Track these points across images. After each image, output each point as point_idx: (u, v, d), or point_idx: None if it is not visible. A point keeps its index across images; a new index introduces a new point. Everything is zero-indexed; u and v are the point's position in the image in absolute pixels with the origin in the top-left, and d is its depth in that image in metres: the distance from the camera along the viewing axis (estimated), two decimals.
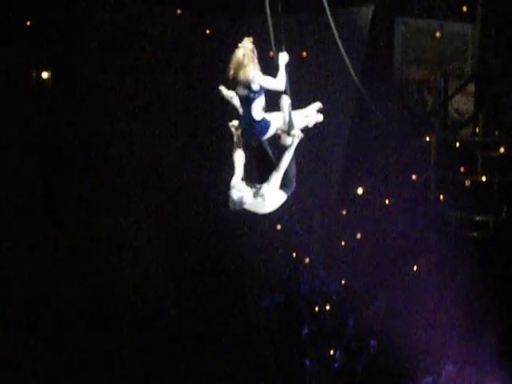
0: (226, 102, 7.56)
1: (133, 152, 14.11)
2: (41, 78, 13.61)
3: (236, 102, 7.39)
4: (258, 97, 7.20)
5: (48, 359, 13.27)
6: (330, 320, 13.84)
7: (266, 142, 7.43)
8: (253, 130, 7.31)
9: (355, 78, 9.27)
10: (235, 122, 7.44)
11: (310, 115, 7.83)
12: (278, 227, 13.98)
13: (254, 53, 7.22)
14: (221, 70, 7.50)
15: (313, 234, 14.37)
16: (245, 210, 7.31)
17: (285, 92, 7.34)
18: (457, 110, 14.66)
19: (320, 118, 7.93)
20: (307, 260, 14.15)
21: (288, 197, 7.55)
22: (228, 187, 7.22)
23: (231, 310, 14.19)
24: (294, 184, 7.58)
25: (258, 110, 7.22)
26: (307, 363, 13.69)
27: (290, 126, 7.40)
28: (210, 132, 13.83)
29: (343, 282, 13.99)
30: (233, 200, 7.20)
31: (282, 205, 7.71)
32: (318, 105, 7.92)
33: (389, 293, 13.62)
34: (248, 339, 14.12)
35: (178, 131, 14.24)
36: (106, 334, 13.59)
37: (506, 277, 13.02)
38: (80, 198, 13.82)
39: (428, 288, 13.23)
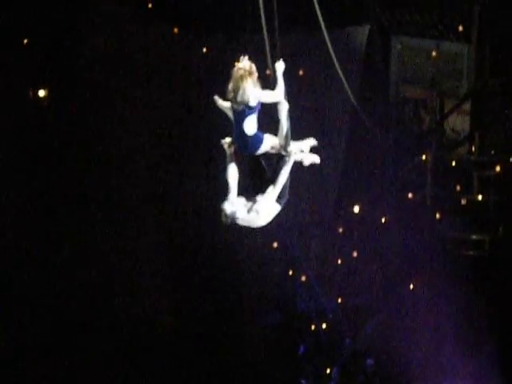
0: (218, 118, 7.59)
1: (130, 169, 14.14)
2: (38, 96, 13.64)
3: (230, 113, 7.41)
4: (252, 113, 7.23)
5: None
6: (326, 338, 13.82)
7: (261, 156, 7.43)
8: (246, 144, 7.33)
9: (351, 97, 9.31)
10: (228, 139, 7.46)
11: (305, 150, 7.82)
12: (275, 245, 13.98)
13: (252, 70, 7.23)
14: (218, 87, 7.52)
15: (309, 252, 14.35)
16: (238, 224, 7.33)
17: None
18: (453, 129, 14.71)
19: (317, 159, 7.92)
20: (304, 278, 14.14)
21: (281, 208, 7.55)
22: (222, 201, 7.25)
23: (227, 327, 14.15)
24: (288, 196, 7.59)
25: (250, 125, 7.24)
26: (303, 382, 13.65)
27: (287, 139, 7.40)
28: (206, 149, 13.84)
29: (340, 300, 13.96)
30: (225, 214, 7.23)
31: (279, 221, 7.73)
32: (312, 142, 7.90)
33: (385, 311, 13.60)
34: (244, 357, 14.08)
35: (174, 147, 14.27)
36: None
37: (502, 295, 13.02)
38: (76, 213, 13.88)
39: (424, 306, 13.22)
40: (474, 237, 13.75)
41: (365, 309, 13.83)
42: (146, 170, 14.21)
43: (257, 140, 7.32)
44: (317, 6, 8.01)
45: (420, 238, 13.64)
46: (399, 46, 14.74)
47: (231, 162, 7.46)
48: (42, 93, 13.64)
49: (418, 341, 13.01)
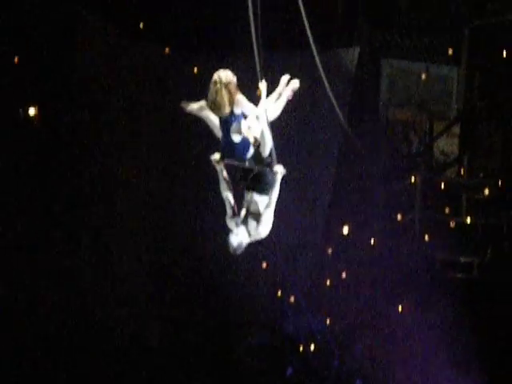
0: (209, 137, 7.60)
1: (121, 189, 14.13)
2: (28, 114, 13.63)
3: (204, 113, 7.41)
4: (238, 119, 7.23)
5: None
6: (314, 360, 13.78)
7: (251, 161, 7.42)
8: (233, 150, 7.33)
9: (341, 118, 9.32)
10: (216, 156, 7.45)
11: (284, 90, 7.78)
12: (264, 265, 13.96)
13: (227, 80, 7.18)
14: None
15: (298, 273, 14.33)
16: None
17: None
18: (442, 152, 14.76)
19: (296, 83, 7.86)
20: (292, 299, 14.11)
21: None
22: (226, 232, 7.34)
23: (215, 348, 14.10)
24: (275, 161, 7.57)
25: (237, 131, 7.25)
26: None
27: (272, 155, 7.40)
28: (197, 169, 13.85)
29: (328, 321, 13.94)
30: (233, 247, 7.34)
31: (267, 242, 7.77)
32: (286, 77, 7.86)
33: (374, 332, 13.58)
34: (231, 378, 14.01)
35: (165, 168, 14.28)
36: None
37: (490, 318, 13.02)
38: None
39: (413, 328, 13.21)
40: (463, 259, 13.76)
41: (353, 330, 13.80)
42: (137, 186, 14.21)
43: (243, 146, 7.32)
44: (307, 27, 8.04)
45: (409, 259, 13.65)
46: (389, 69, 14.80)
47: (223, 177, 7.48)
48: (32, 111, 13.63)
49: (407, 362, 12.99)
